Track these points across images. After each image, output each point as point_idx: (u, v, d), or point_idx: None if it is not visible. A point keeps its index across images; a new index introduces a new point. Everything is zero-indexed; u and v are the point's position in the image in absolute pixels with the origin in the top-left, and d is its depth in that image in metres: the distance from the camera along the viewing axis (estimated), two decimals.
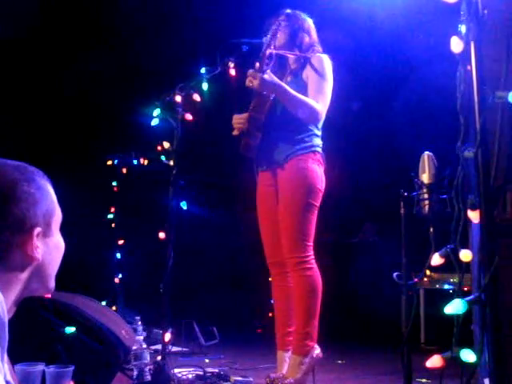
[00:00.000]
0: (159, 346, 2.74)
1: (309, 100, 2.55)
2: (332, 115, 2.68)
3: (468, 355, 1.30)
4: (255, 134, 2.63)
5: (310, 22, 2.75)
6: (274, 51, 2.59)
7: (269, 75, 2.51)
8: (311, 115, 2.56)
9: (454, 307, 1.28)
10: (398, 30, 3.77)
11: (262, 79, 2.48)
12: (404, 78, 4.19)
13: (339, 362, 3.42)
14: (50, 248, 1.05)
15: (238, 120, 2.68)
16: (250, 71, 2.52)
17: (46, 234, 1.04)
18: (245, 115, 2.67)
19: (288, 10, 2.72)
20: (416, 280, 2.11)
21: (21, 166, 1.04)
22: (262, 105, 2.62)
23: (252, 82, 2.50)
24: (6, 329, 0.90)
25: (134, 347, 2.77)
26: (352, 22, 3.68)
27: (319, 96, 2.57)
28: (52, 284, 1.09)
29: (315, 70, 2.61)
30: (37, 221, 1.01)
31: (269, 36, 2.53)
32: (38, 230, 1.01)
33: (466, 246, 1.46)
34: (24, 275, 1.01)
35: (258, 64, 2.51)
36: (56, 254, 1.08)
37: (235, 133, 2.71)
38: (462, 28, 1.38)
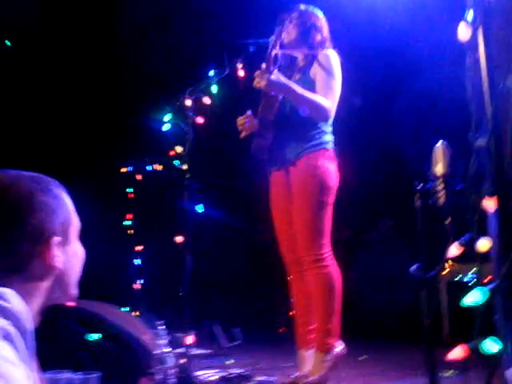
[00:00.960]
0: (183, 350, 2.76)
1: (317, 97, 2.54)
2: (343, 111, 2.67)
3: (491, 345, 1.29)
4: (265, 135, 2.63)
5: (322, 19, 2.73)
6: (280, 51, 2.59)
7: (276, 75, 2.50)
8: (320, 113, 2.55)
9: (474, 297, 1.27)
10: (403, 21, 3.74)
11: (269, 80, 2.48)
12: (413, 70, 4.16)
13: (361, 358, 3.40)
14: (69, 256, 1.07)
15: (241, 121, 2.70)
16: (257, 72, 2.52)
17: (64, 242, 1.05)
18: (246, 114, 2.68)
19: (302, 6, 2.71)
20: (435, 272, 2.09)
21: (36, 176, 1.05)
22: (271, 105, 2.62)
23: (259, 82, 2.51)
24: (33, 340, 0.91)
25: (158, 351, 2.79)
26: (354, 15, 3.66)
27: (327, 93, 2.56)
28: (74, 292, 1.10)
29: (322, 67, 2.60)
30: (55, 230, 1.03)
31: (273, 36, 2.54)
32: (56, 239, 1.02)
33: (484, 235, 1.44)
34: (45, 284, 1.03)
35: (264, 65, 2.51)
36: (76, 261, 1.09)
37: (243, 135, 2.72)
38: (469, 15, 1.36)
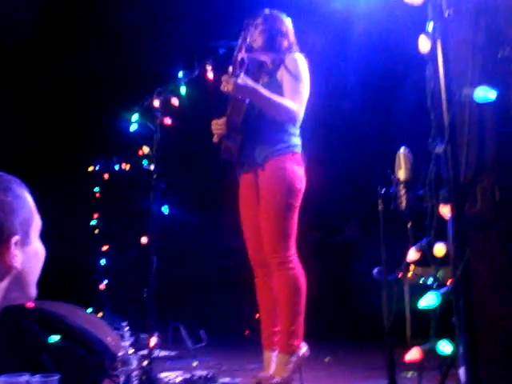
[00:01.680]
0: (146, 351, 2.74)
1: (284, 101, 2.57)
2: (314, 113, 2.70)
3: (445, 346, 1.33)
4: (234, 138, 2.64)
5: (288, 23, 2.75)
6: (246, 55, 2.60)
7: (242, 79, 2.51)
8: (288, 116, 2.58)
9: (428, 300, 1.31)
10: (372, 30, 3.81)
11: (235, 84, 2.49)
12: (379, 77, 4.24)
13: (326, 359, 3.44)
14: (29, 256, 1.05)
15: (216, 126, 2.70)
16: (224, 76, 2.53)
17: (24, 242, 1.04)
18: (222, 120, 2.69)
19: (266, 11, 2.72)
20: (398, 275, 2.14)
21: None
22: (238, 108, 2.63)
23: (226, 86, 2.51)
24: None
25: (121, 353, 2.76)
26: (327, 27, 3.70)
27: (295, 96, 2.59)
28: (33, 292, 1.09)
29: (289, 70, 2.63)
30: (14, 229, 1.01)
31: (239, 40, 2.55)
32: (15, 238, 1.01)
33: (443, 240, 1.49)
34: (3, 284, 1.01)
35: (230, 68, 2.52)
36: (35, 261, 1.08)
37: (215, 139, 2.73)
38: (430, 27, 1.41)
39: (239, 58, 2.53)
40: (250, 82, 2.54)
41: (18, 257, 1.02)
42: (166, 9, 4.41)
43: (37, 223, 1.10)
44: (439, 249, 1.39)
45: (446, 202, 1.34)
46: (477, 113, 1.38)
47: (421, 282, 4.02)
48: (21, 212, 1.03)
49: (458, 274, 1.27)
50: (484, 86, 1.35)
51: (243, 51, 2.56)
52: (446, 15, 1.36)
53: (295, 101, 2.57)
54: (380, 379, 2.72)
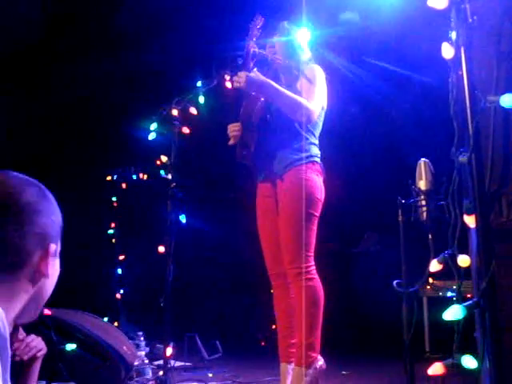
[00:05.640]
0: (162, 361, 2.72)
1: (300, 98, 2.51)
2: (332, 124, 2.67)
3: (469, 361, 1.29)
4: (250, 137, 2.59)
5: (306, 36, 2.74)
6: (258, 50, 2.55)
7: (255, 73, 2.46)
8: (303, 113, 2.49)
9: (453, 313, 1.27)
10: (392, 38, 3.79)
11: (248, 78, 2.43)
12: (400, 86, 4.21)
13: (343, 372, 3.39)
14: (54, 269, 1.03)
15: (233, 128, 2.67)
16: (240, 73, 2.48)
17: (56, 253, 1.03)
18: (239, 123, 2.67)
19: (286, 24, 2.72)
20: (417, 287, 2.09)
21: (36, 182, 1.04)
22: (252, 107, 2.58)
23: (238, 82, 2.46)
24: (9, 346, 0.88)
25: (136, 363, 2.75)
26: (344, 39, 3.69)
27: (310, 97, 2.54)
28: (37, 313, 1.06)
29: (306, 77, 2.61)
30: (52, 238, 1.00)
31: (248, 36, 2.51)
32: (53, 247, 1.00)
33: (465, 252, 1.45)
34: (29, 293, 0.99)
35: (241, 62, 2.48)
36: (55, 277, 1.06)
37: (231, 142, 2.69)
38: (453, 34, 1.39)
39: (251, 51, 2.48)
40: (262, 77, 2.48)
41: (49, 266, 1.00)
42: (187, 19, 4.45)
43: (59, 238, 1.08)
44: (463, 260, 1.35)
45: (470, 212, 1.30)
46: (502, 121, 1.35)
47: (440, 294, 3.95)
48: (58, 222, 1.03)
49: (484, 286, 1.23)
50: (510, 93, 1.32)
51: (254, 44, 2.51)
52: (470, 21, 1.33)
53: (310, 100, 2.53)
54: None
